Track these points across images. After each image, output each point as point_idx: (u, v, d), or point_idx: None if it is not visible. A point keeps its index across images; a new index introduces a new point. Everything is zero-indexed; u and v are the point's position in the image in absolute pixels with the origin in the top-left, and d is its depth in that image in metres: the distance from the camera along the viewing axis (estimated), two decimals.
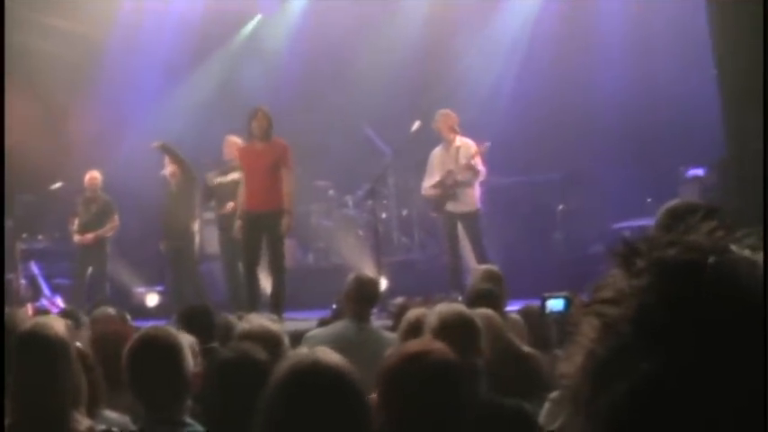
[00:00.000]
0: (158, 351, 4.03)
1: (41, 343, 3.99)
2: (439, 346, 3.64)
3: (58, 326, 4.16)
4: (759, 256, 1.06)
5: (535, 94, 14.87)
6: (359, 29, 16.14)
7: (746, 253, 1.07)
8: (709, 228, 1.11)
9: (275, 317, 6.48)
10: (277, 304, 10.95)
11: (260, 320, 5.58)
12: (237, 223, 11.46)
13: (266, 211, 11.04)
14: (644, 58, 14.38)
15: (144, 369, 4.04)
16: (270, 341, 4.91)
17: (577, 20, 15.02)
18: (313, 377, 2.97)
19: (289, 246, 12.00)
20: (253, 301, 11.17)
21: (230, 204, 12.49)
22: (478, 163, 11.98)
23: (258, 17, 17.73)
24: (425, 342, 3.84)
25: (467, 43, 15.81)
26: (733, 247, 1.07)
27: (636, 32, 14.61)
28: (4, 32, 12.20)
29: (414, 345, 3.71)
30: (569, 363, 1.12)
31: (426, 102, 14.43)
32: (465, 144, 12.11)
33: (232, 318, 6.99)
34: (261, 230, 11.09)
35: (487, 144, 12.03)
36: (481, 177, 12.05)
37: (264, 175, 11.10)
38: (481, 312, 5.33)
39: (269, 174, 11.08)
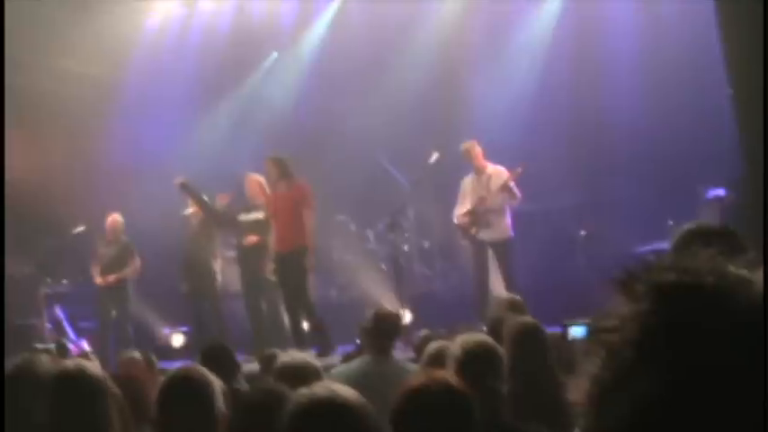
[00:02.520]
0: (190, 390, 4.03)
1: (83, 384, 4.01)
2: (440, 377, 3.66)
3: (97, 367, 4.20)
4: (757, 275, 1.08)
5: (551, 119, 14.87)
6: (372, 62, 16.21)
7: (744, 273, 1.08)
8: (710, 253, 1.12)
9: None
10: (321, 337, 11.24)
11: (300, 355, 5.58)
12: (270, 265, 11.84)
13: (290, 251, 11.41)
14: (659, 80, 14.34)
15: (175, 408, 4.03)
16: (309, 375, 4.91)
17: (592, 44, 15.03)
18: (322, 414, 2.98)
19: (311, 281, 12.10)
20: (299, 338, 11.41)
21: (252, 238, 12.58)
22: (514, 187, 12.05)
23: (274, 55, 17.84)
24: (427, 375, 3.84)
25: (481, 71, 15.85)
26: (731, 268, 1.08)
27: (651, 54, 14.60)
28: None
29: (413, 380, 3.72)
30: (578, 391, 1.13)
31: (442, 132, 14.46)
32: (497, 171, 12.20)
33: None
34: (291, 270, 11.36)
35: (519, 170, 12.05)
36: (517, 202, 12.11)
37: (287, 217, 11.58)
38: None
39: (291, 215, 11.54)
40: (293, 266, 11.40)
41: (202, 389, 4.02)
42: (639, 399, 1.04)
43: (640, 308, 1.08)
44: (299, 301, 11.56)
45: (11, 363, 4.50)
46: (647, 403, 1.03)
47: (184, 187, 12.94)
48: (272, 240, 12.00)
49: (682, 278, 1.08)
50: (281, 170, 11.69)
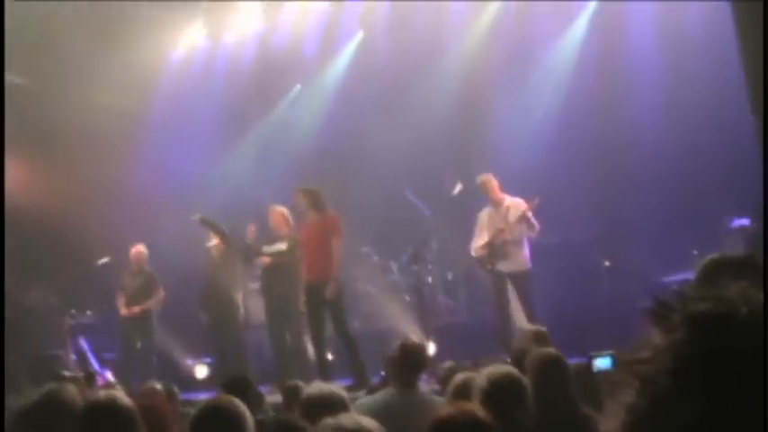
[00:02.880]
0: (222, 421, 4.03)
1: (113, 414, 4.04)
2: (467, 408, 3.66)
3: (126, 398, 4.23)
4: None
5: (574, 150, 14.83)
6: (394, 95, 16.25)
7: None
8: (741, 283, 1.13)
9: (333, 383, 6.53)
10: (359, 369, 11.18)
11: (326, 386, 5.55)
12: (301, 297, 11.85)
13: (319, 282, 11.41)
14: (684, 108, 14.27)
15: None
16: (336, 407, 4.91)
17: (615, 72, 14.97)
18: None
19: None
20: (324, 369, 11.35)
21: (266, 259, 12.60)
22: (532, 218, 12.01)
23: (297, 87, 17.92)
24: (454, 406, 3.84)
25: (503, 103, 15.84)
26: (762, 297, 1.09)
27: (675, 83, 14.52)
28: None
29: (442, 410, 3.73)
30: (612, 420, 1.14)
31: (465, 163, 14.47)
32: (515, 203, 12.15)
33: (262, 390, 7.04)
34: (319, 300, 11.34)
35: (536, 201, 12.02)
36: (536, 233, 12.05)
37: (317, 248, 11.55)
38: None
39: (320, 246, 11.50)
40: (322, 297, 11.38)
41: (234, 420, 4.02)
42: (676, 427, 1.05)
43: (675, 337, 1.09)
44: (338, 331, 11.53)
45: (38, 392, 4.55)
46: (684, 430, 1.04)
47: (204, 222, 12.98)
48: (300, 270, 12.04)
49: (716, 307, 1.09)
50: (311, 200, 11.69)
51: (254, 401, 6.35)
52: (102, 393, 4.31)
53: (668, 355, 1.08)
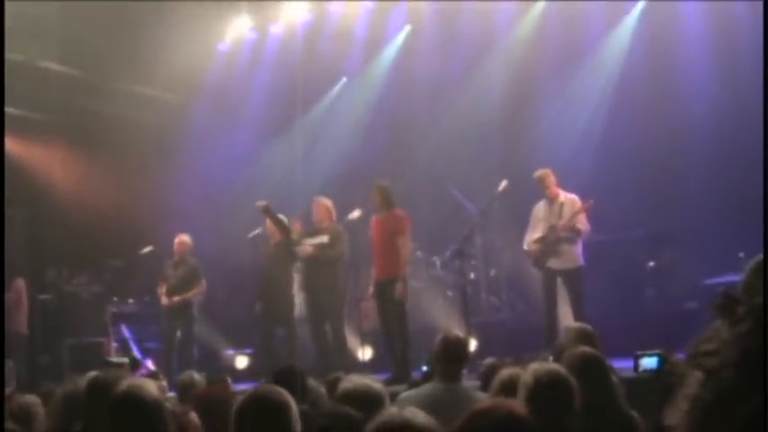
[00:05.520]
0: (269, 410, 4.02)
1: (137, 404, 4.06)
2: (507, 403, 3.60)
3: (152, 387, 4.24)
4: None
5: (622, 149, 14.71)
6: (442, 89, 16.21)
7: None
8: None
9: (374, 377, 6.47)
10: (403, 366, 11.15)
11: (362, 380, 5.51)
12: (371, 290, 11.90)
13: (385, 279, 11.47)
14: (734, 108, 14.09)
15: (253, 428, 4.02)
16: (372, 400, 4.89)
17: (665, 70, 14.82)
18: None
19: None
20: (404, 366, 11.26)
21: (307, 248, 12.53)
22: (581, 221, 11.86)
23: (343, 80, 17.93)
24: (495, 400, 3.80)
25: (550, 101, 15.76)
26: None
27: (726, 82, 14.35)
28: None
29: (481, 404, 3.67)
30: (676, 413, 1.11)
31: (512, 160, 14.40)
32: (570, 200, 12.01)
33: (314, 383, 7.00)
34: (384, 298, 11.43)
35: (591, 201, 11.90)
36: (584, 236, 11.93)
37: (383, 245, 11.59)
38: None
39: (387, 243, 11.53)
40: (387, 295, 11.41)
41: (281, 408, 4.01)
42: (740, 421, 1.02)
43: (741, 329, 1.06)
44: (396, 329, 11.49)
45: (84, 379, 4.59)
46: (752, 424, 1.01)
47: (267, 211, 12.85)
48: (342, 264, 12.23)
49: None
50: (383, 197, 11.68)
51: (301, 394, 6.33)
52: (124, 384, 4.32)
53: (735, 347, 1.05)
